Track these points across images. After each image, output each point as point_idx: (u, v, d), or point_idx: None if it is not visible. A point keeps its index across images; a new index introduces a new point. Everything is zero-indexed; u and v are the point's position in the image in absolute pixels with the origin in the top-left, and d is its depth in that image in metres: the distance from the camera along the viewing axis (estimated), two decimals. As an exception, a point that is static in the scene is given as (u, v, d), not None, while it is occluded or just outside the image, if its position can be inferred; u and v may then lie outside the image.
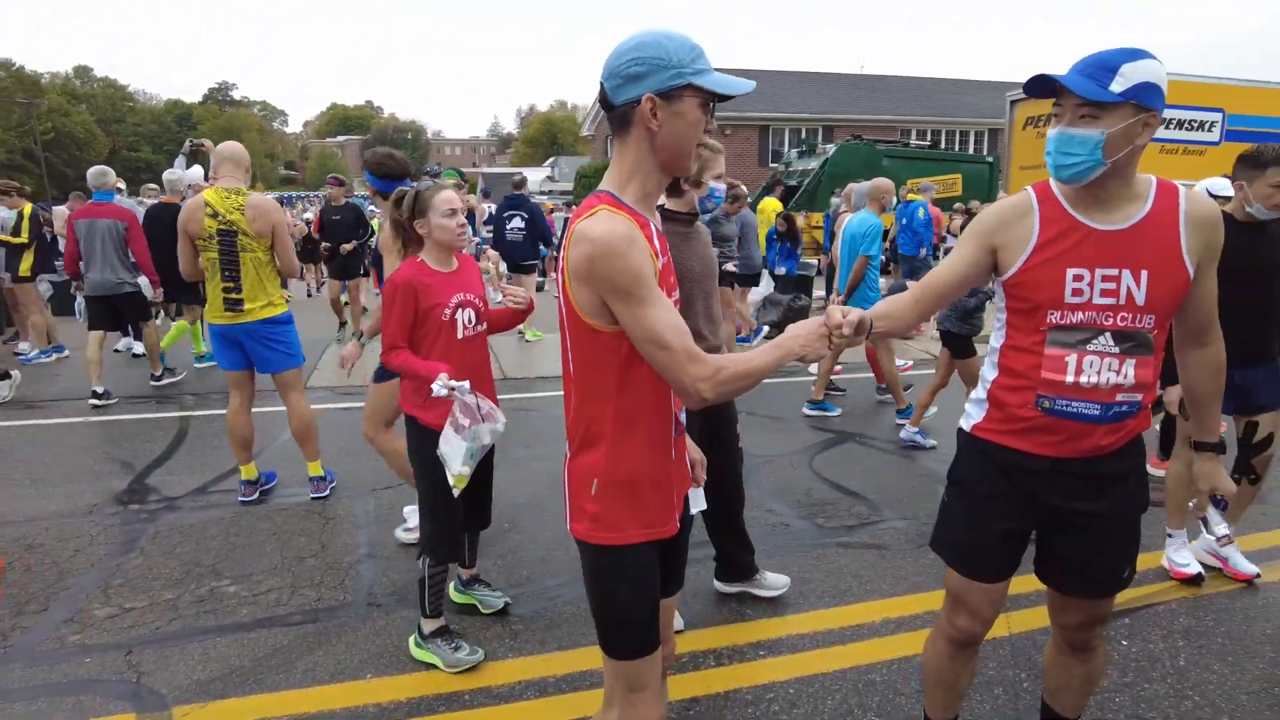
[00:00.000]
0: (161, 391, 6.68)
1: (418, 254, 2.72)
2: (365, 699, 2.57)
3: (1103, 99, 1.57)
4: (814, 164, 16.36)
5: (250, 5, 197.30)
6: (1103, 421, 1.70)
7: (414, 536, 3.67)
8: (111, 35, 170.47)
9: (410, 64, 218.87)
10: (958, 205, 13.34)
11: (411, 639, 2.82)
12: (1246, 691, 2.62)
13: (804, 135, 24.79)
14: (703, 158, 2.73)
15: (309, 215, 17.09)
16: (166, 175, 7.11)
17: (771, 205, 10.37)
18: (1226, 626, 3.02)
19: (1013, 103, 9.25)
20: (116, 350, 8.01)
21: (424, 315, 2.63)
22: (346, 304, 8.90)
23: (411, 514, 3.95)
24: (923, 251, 9.85)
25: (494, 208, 9.85)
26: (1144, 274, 1.64)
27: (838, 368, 6.56)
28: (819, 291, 10.24)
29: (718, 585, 3.30)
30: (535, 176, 35.35)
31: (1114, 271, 1.64)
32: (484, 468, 2.81)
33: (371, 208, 10.52)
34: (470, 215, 9.37)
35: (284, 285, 4.27)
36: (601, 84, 1.47)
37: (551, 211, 16.72)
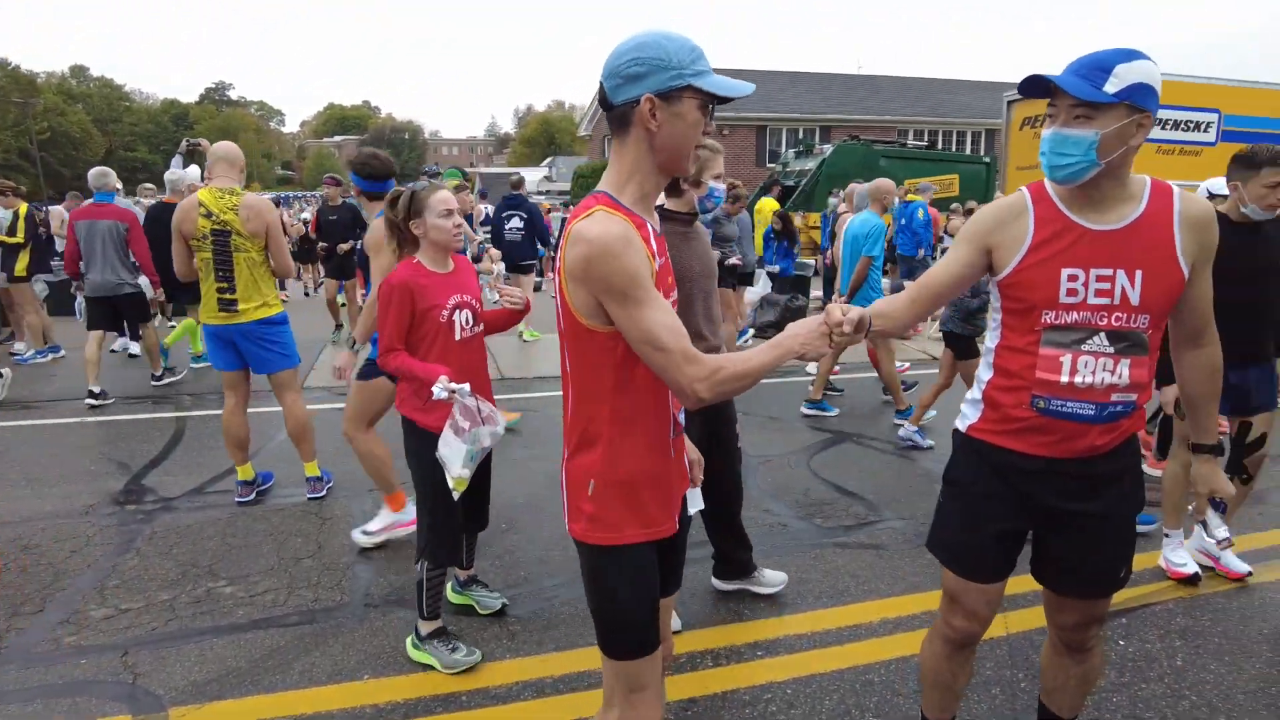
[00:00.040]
0: (158, 391, 6.66)
1: (413, 255, 2.70)
2: (362, 700, 2.57)
3: (1097, 99, 1.57)
4: (811, 164, 16.40)
5: (249, 5, 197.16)
6: (1098, 422, 1.70)
7: (375, 539, 3.64)
8: (108, 35, 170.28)
9: (409, 64, 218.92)
10: (955, 205, 13.37)
11: (409, 640, 2.82)
12: (1243, 691, 2.62)
13: (801, 135, 24.83)
14: (701, 158, 2.73)
15: (306, 215, 17.06)
16: (168, 175, 7.10)
17: (769, 205, 10.37)
18: (1223, 626, 3.02)
19: (1009, 103, 9.25)
20: (112, 351, 7.99)
21: (421, 317, 2.62)
22: (343, 304, 8.89)
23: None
24: (921, 252, 9.86)
25: (491, 209, 9.83)
26: (1138, 274, 1.64)
27: (836, 368, 6.56)
28: (816, 292, 10.25)
29: (716, 583, 3.30)
30: (532, 176, 35.31)
31: (1108, 271, 1.65)
32: (482, 469, 2.81)
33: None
34: (468, 216, 9.35)
35: (282, 286, 4.26)
36: (601, 83, 1.47)
37: (549, 211, 16.71)
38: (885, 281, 6.66)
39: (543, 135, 75.91)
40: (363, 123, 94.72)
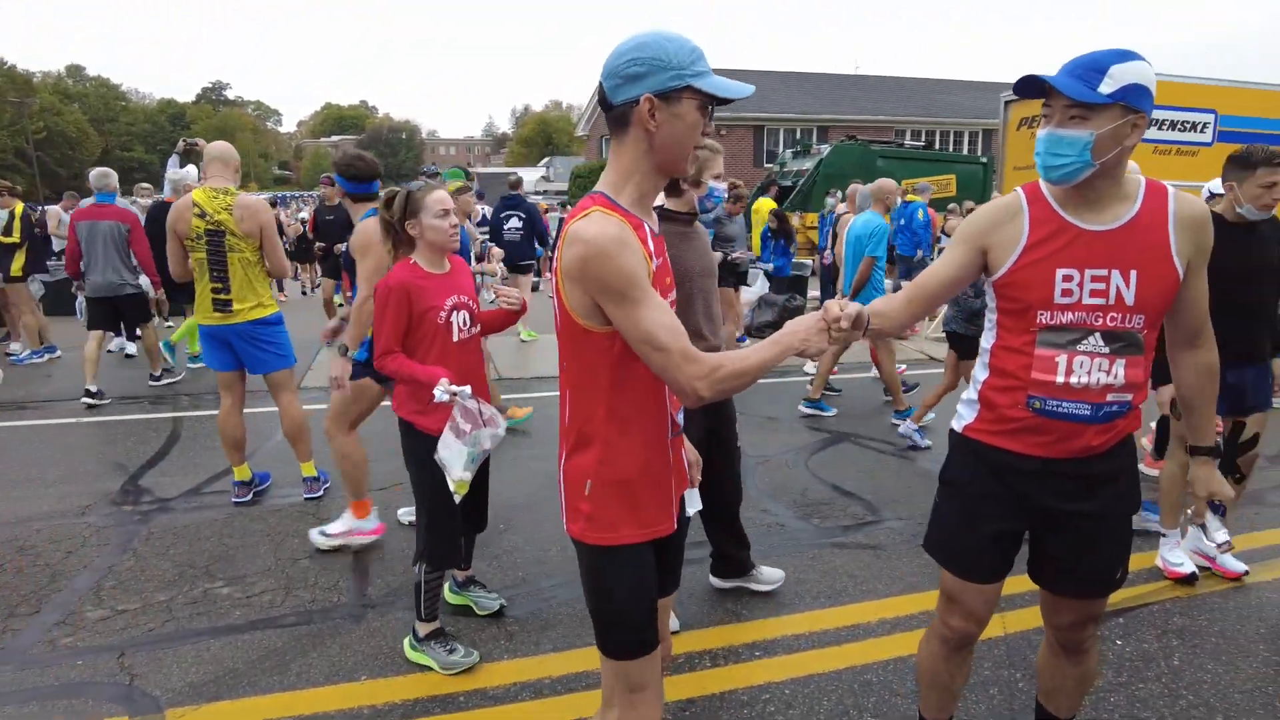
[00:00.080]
0: (155, 392, 6.65)
1: (409, 256, 2.68)
2: (360, 701, 2.56)
3: (1091, 100, 1.57)
4: (809, 164, 16.42)
5: (247, 5, 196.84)
6: (1093, 422, 1.70)
7: (332, 542, 3.61)
8: (105, 34, 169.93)
9: (407, 64, 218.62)
10: (953, 205, 13.38)
11: (406, 641, 2.81)
12: (1240, 691, 2.63)
13: (799, 135, 24.86)
14: (701, 158, 2.72)
15: (304, 215, 17.03)
16: (170, 175, 7.09)
17: (766, 205, 10.37)
18: (1220, 626, 3.03)
19: (1006, 103, 9.25)
20: (109, 351, 7.98)
21: (419, 319, 2.59)
22: (340, 304, 8.88)
23: (405, 515, 3.94)
24: (919, 253, 9.86)
25: (488, 209, 9.82)
26: (1133, 274, 1.64)
27: (836, 368, 6.57)
28: (814, 292, 10.25)
29: (714, 581, 3.30)
30: (530, 176, 35.28)
31: (1103, 272, 1.65)
32: (481, 471, 2.80)
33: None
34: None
35: (280, 286, 4.26)
36: (600, 83, 1.47)
37: (546, 211, 16.69)
38: (888, 282, 6.67)
39: (540, 135, 75.86)
40: (360, 122, 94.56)
